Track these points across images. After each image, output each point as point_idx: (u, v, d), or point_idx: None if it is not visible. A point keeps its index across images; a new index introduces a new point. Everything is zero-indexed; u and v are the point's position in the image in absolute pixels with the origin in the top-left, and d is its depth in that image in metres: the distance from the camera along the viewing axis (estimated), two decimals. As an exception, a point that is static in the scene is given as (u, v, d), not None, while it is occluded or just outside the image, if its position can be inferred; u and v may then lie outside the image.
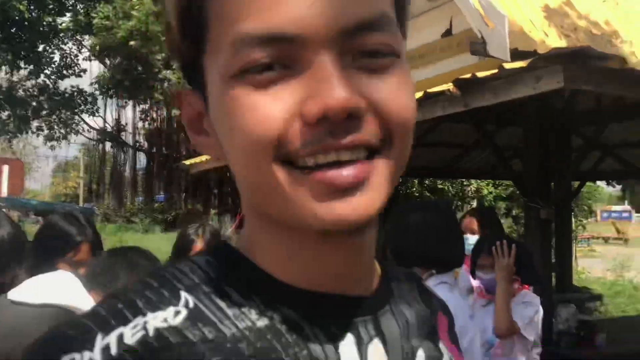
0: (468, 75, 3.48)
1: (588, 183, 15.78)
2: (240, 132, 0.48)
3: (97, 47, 9.96)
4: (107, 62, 11.52)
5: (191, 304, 0.51)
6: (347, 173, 0.46)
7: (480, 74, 3.41)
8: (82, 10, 10.90)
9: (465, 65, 5.74)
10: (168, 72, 10.61)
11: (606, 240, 33.47)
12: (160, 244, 16.09)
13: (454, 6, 5.80)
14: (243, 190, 0.54)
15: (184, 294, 0.51)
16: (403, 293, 0.64)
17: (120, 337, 0.47)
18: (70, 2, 11.85)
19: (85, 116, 13.77)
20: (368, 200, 0.48)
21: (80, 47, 13.20)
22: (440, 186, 12.75)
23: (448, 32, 6.25)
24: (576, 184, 9.19)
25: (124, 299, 0.51)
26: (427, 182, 12.25)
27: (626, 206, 29.88)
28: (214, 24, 0.49)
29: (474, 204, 15.14)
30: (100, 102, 13.74)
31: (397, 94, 0.49)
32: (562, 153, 6.77)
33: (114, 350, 0.46)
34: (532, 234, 5.19)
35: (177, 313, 0.50)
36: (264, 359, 0.50)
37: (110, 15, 9.60)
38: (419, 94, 3.94)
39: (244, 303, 0.52)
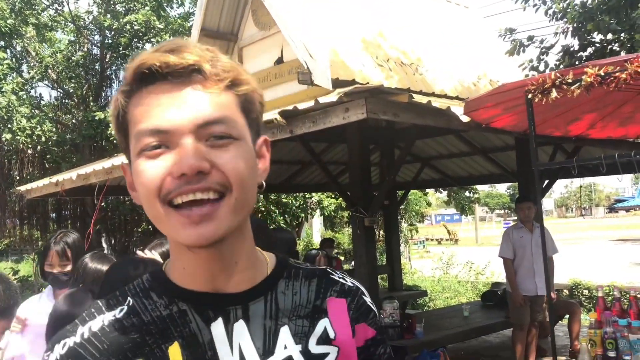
0: (291, 107, 3.99)
1: (417, 191, 17.34)
2: (141, 185, 0.80)
3: None
4: None
5: (131, 303, 0.87)
6: (197, 212, 0.77)
7: (300, 106, 3.96)
8: None
9: (297, 92, 6.31)
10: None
11: (439, 241, 36.50)
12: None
13: (283, 36, 6.31)
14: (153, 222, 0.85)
15: (129, 298, 0.88)
16: (291, 286, 0.93)
17: (90, 326, 0.86)
18: None
19: None
20: (212, 229, 0.78)
21: None
22: (285, 200, 13.36)
23: (280, 60, 6.76)
24: (402, 193, 10.23)
25: (98, 305, 0.90)
26: (272, 196, 12.80)
27: (455, 209, 32.78)
28: (130, 125, 0.82)
29: (317, 213, 16.00)
30: None
31: (231, 160, 0.79)
32: (386, 166, 7.60)
33: (86, 335, 0.84)
34: (358, 240, 5.85)
35: (121, 310, 0.87)
36: (161, 335, 0.84)
37: None
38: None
39: (157, 301, 0.87)
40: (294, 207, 13.45)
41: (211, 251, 0.82)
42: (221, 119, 0.79)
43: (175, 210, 0.78)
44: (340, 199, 14.54)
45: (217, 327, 0.85)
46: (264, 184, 0.92)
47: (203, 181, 0.77)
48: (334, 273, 1.01)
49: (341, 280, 0.99)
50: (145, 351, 0.83)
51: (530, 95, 3.22)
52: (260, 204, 12.54)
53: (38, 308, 3.01)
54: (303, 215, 14.21)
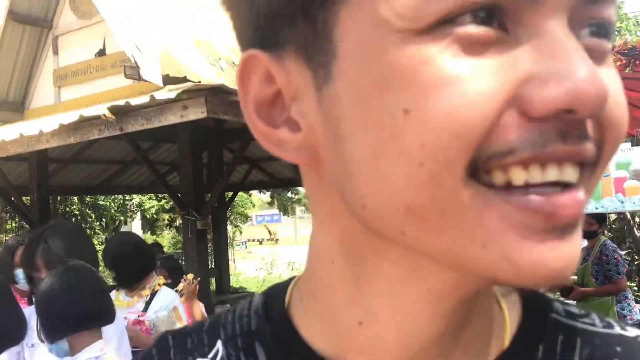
0: (122, 102, 3.69)
1: (242, 192, 17.34)
2: (425, 120, 0.30)
3: None
4: None
5: (219, 356, 0.46)
6: (570, 204, 0.30)
7: (133, 101, 3.67)
8: None
9: (121, 87, 5.88)
10: None
11: (260, 242, 36.94)
12: None
13: (106, 27, 5.87)
14: (365, 212, 0.34)
15: (219, 344, 0.46)
16: None
17: None
18: None
19: None
20: (577, 244, 0.32)
21: None
22: (102, 202, 12.51)
23: (102, 52, 6.28)
24: (230, 194, 10.13)
25: (176, 338, 0.50)
26: (87, 199, 11.91)
27: (275, 210, 33.51)
28: None
29: (137, 216, 15.26)
30: None
31: (619, 90, 0.33)
32: (215, 167, 7.44)
33: None
34: (190, 243, 5.62)
35: None
36: None
37: None
38: (74, 117, 3.98)
39: None
40: (112, 210, 12.66)
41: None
42: None
43: (501, 195, 0.30)
44: (163, 201, 14.02)
45: None
46: None
47: (586, 138, 0.31)
48: None
49: None
50: None
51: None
52: (75, 207, 11.62)
53: None
54: (122, 218, 13.42)
